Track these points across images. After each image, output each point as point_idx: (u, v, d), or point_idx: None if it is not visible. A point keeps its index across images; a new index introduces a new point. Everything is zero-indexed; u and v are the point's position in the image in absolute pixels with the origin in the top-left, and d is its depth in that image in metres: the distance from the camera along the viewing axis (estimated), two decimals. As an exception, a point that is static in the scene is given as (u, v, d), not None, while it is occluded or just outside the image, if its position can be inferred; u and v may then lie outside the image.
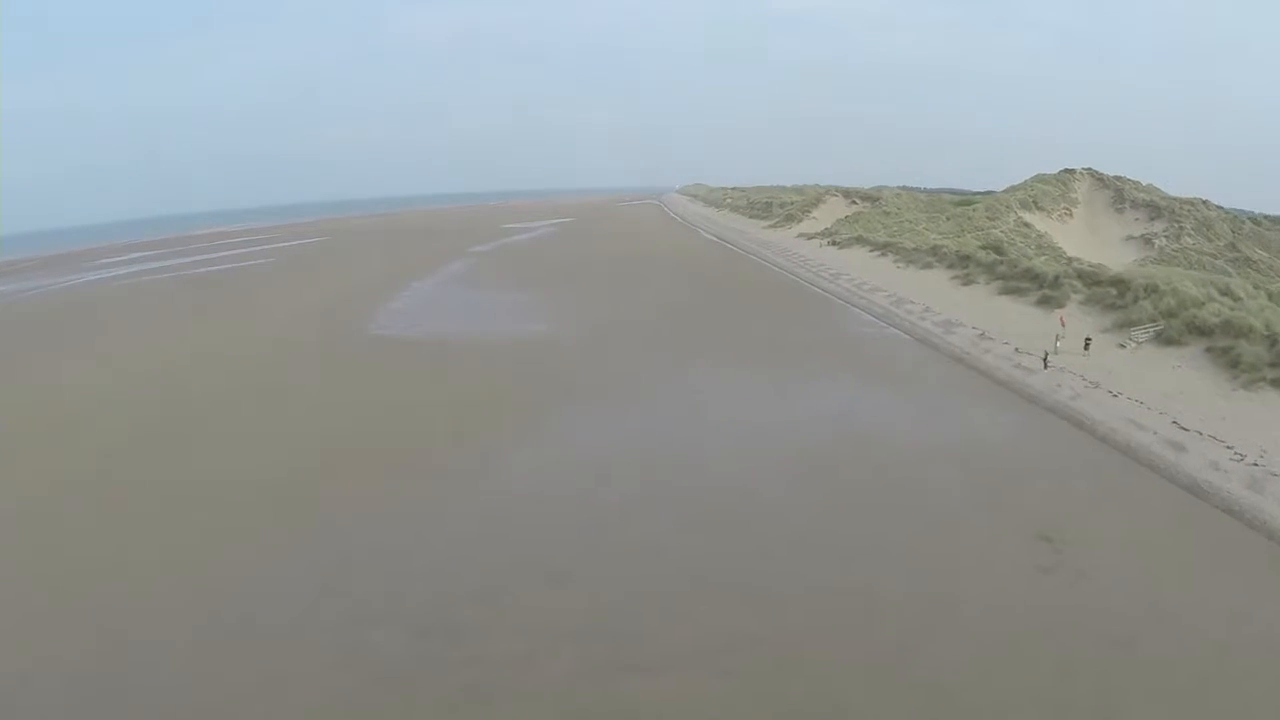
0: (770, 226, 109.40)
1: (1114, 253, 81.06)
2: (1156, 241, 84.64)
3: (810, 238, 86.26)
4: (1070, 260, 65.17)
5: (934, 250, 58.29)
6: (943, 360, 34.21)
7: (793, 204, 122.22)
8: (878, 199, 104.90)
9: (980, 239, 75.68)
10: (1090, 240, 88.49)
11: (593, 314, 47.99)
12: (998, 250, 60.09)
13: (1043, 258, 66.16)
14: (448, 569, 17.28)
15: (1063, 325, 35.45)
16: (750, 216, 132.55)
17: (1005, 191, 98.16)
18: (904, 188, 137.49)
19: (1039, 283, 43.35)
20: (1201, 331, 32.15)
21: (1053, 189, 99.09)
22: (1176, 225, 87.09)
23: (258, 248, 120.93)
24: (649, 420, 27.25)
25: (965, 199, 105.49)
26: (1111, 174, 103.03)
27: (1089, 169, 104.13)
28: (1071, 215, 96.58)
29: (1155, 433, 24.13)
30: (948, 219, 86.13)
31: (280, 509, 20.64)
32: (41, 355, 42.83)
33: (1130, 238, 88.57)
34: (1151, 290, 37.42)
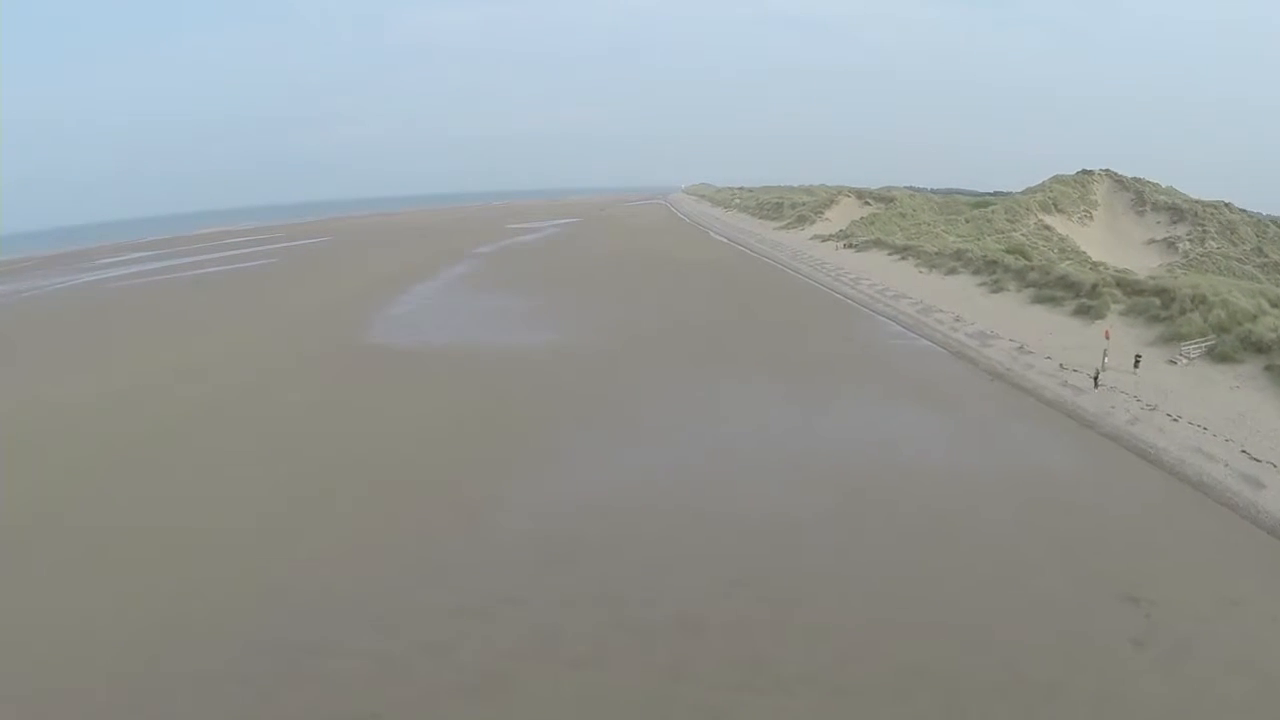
0: (782, 228, 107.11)
1: (1136, 257, 78.71)
2: (1180, 245, 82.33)
3: (825, 240, 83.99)
4: (1095, 265, 62.97)
5: (958, 255, 55.99)
6: (982, 377, 31.92)
7: (804, 205, 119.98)
8: (892, 200, 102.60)
9: (1002, 242, 73.50)
10: (1112, 243, 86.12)
11: (604, 321, 45.81)
12: (1022, 254, 57.94)
13: (1066, 262, 63.96)
14: (444, 652, 14.60)
15: (1107, 339, 33.25)
16: (760, 217, 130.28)
17: (1024, 193, 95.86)
18: (909, 188, 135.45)
19: (1075, 291, 41.08)
20: (1258, 348, 29.96)
21: (1071, 190, 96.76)
22: (1200, 229, 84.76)
23: (258, 248, 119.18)
24: (673, 450, 24.68)
25: (981, 200, 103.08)
26: (1130, 175, 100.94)
27: (1107, 170, 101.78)
28: (1091, 218, 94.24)
29: (1226, 464, 21.98)
30: (966, 221, 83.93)
31: (237, 565, 17.93)
32: (8, 368, 40.60)
33: (1152, 241, 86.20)
34: (1200, 301, 35.19)
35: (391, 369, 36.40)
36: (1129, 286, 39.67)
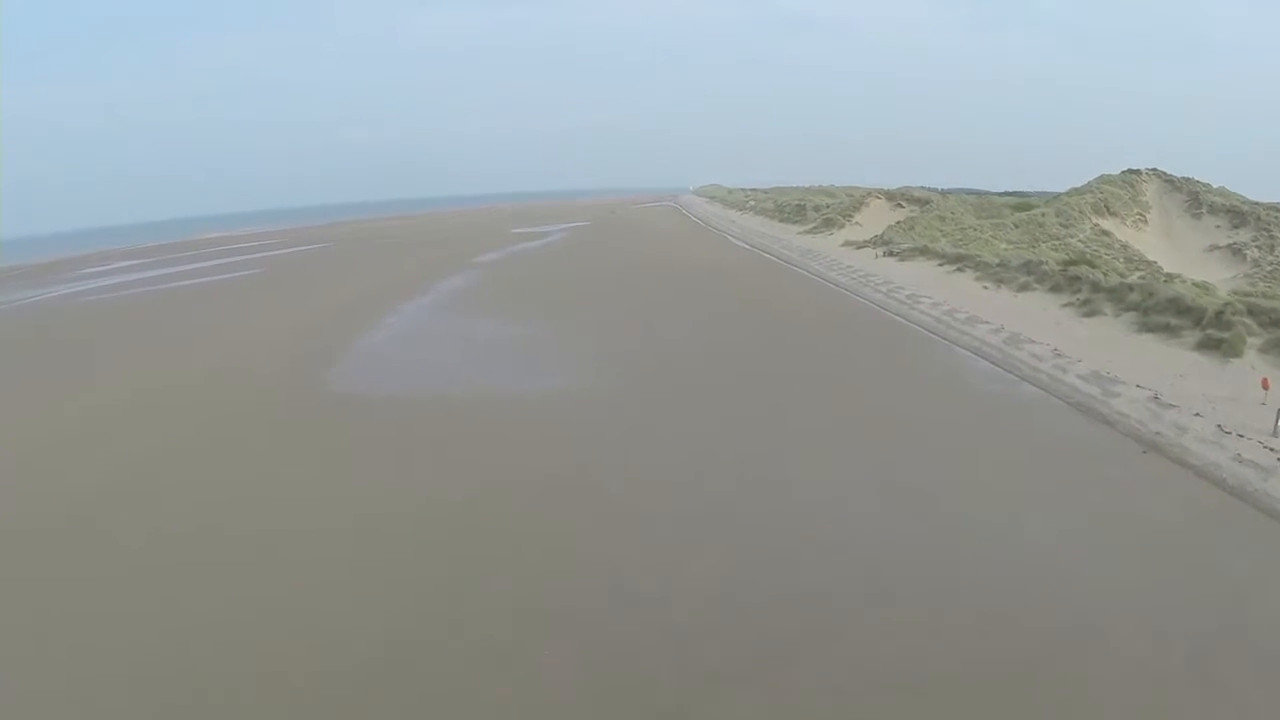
0: (807, 232, 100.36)
1: (1198, 265, 71.74)
2: (1249, 253, 75.24)
3: (859, 246, 77.22)
4: (1170, 277, 55.99)
5: (1028, 267, 49.12)
6: (1125, 446, 24.19)
7: (828, 207, 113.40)
8: (927, 202, 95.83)
9: (1059, 250, 66.70)
10: (1169, 250, 79.23)
11: (623, 355, 38.59)
12: (1089, 264, 51.15)
13: (1137, 274, 57.05)
14: None
15: (1266, 389, 26.49)
16: (781, 221, 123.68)
17: (1071, 194, 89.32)
18: (923, 187, 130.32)
19: (1193, 319, 34.24)
20: None
21: (1121, 191, 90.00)
22: (1266, 234, 77.80)
23: (249, 256, 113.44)
24: (740, 585, 16.42)
25: (1022, 202, 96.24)
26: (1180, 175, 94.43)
27: (1155, 169, 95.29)
28: (1146, 221, 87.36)
29: None
30: (1015, 226, 77.08)
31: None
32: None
33: (1214, 248, 79.13)
34: (1370, 338, 28.34)
35: (355, 437, 27.21)
36: (1264, 315, 32.80)
